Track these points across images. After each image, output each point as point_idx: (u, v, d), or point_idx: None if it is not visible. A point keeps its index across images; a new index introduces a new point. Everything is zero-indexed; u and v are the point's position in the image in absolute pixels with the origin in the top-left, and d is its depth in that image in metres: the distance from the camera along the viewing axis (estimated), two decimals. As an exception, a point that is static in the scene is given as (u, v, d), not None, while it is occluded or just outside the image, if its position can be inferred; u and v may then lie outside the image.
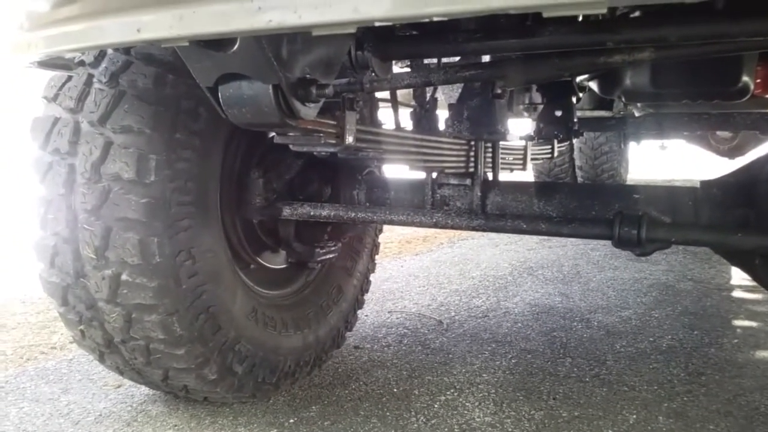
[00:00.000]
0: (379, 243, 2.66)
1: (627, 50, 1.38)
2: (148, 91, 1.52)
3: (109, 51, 1.56)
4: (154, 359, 1.73)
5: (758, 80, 1.97)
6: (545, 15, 0.68)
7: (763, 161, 1.57)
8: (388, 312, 3.03)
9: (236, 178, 1.87)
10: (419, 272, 3.92)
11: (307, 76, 1.10)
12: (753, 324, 2.89)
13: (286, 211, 1.82)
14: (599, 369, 2.35)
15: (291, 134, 1.38)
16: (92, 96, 1.55)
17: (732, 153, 5.23)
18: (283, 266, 2.12)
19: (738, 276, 3.65)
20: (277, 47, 1.00)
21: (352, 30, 0.77)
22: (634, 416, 1.98)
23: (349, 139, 1.43)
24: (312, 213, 1.79)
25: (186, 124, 1.58)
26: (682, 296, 3.34)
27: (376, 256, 2.68)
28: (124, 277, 1.57)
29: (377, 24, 0.74)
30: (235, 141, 1.79)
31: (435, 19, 0.69)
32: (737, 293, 3.40)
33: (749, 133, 4.53)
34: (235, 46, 0.95)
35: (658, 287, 3.49)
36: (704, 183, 1.64)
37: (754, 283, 1.72)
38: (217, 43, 0.96)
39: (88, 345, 1.79)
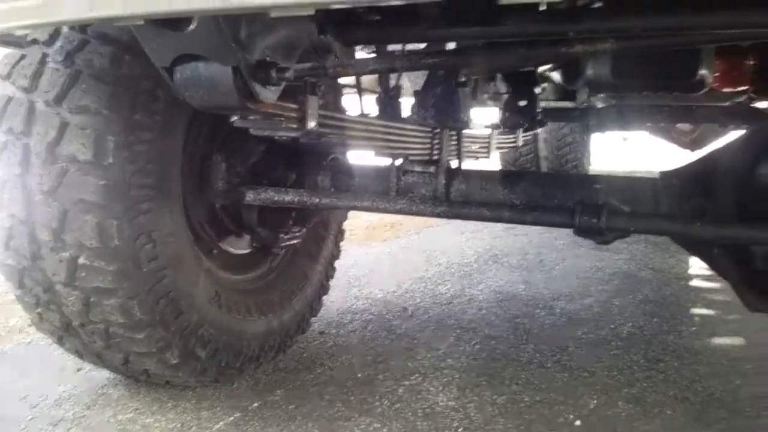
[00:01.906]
0: (344, 229, 2.66)
1: (588, 41, 1.39)
2: (105, 71, 1.49)
3: (64, 29, 1.52)
4: (114, 343, 1.71)
5: (716, 74, 2.01)
6: (500, 2, 0.68)
7: (721, 152, 1.60)
8: (354, 298, 3.03)
9: (198, 162, 1.85)
10: (385, 259, 3.92)
11: (267, 58, 1.08)
12: (710, 312, 2.96)
13: (250, 196, 1.80)
14: (561, 355, 2.38)
15: (251, 117, 1.36)
16: (47, 75, 1.51)
17: (693, 145, 5.32)
18: (247, 251, 2.10)
19: (697, 265, 3.73)
20: (235, 28, 0.99)
21: (311, 12, 0.76)
22: (595, 401, 2.01)
23: (311, 124, 1.42)
24: (276, 198, 1.78)
25: (145, 105, 1.55)
26: (642, 285, 3.41)
27: (342, 243, 2.68)
28: (81, 260, 1.54)
29: (335, 6, 0.73)
30: (197, 123, 1.77)
31: (393, 3, 0.68)
32: (696, 282, 3.48)
33: (710, 126, 4.61)
34: (192, 26, 0.93)
35: (619, 276, 3.55)
36: (664, 174, 1.67)
37: (712, 273, 1.76)
38: (173, 23, 0.94)
39: (46, 328, 1.76)
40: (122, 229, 1.54)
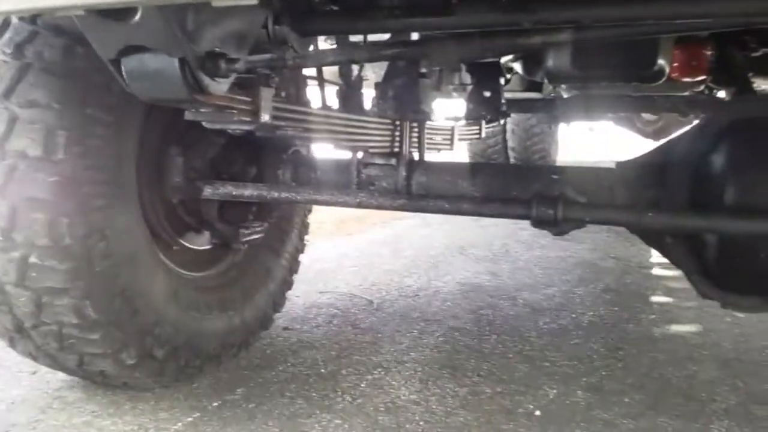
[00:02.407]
0: (308, 222, 2.63)
1: (546, 32, 1.40)
2: (56, 64, 1.44)
3: (14, 20, 1.47)
4: (68, 345, 1.67)
5: (675, 64, 2.04)
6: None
7: (674, 143, 1.63)
8: (319, 292, 3.01)
9: (155, 156, 1.81)
10: (352, 252, 3.91)
11: (217, 49, 1.06)
12: (669, 300, 3.02)
13: (207, 191, 1.77)
14: (523, 345, 2.41)
15: (202, 110, 1.33)
16: (-5, 68, 1.46)
17: (656, 135, 5.43)
18: (207, 247, 2.06)
19: (657, 254, 3.81)
20: (182, 18, 0.96)
21: (254, 1, 0.75)
22: (555, 390, 2.04)
23: (265, 117, 1.40)
24: (234, 193, 1.75)
25: (98, 99, 1.51)
26: (604, 274, 3.46)
27: (307, 236, 2.65)
28: (32, 259, 1.50)
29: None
30: (152, 117, 1.72)
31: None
32: (656, 270, 3.55)
33: (672, 116, 4.70)
34: (137, 17, 0.90)
35: (582, 265, 3.60)
36: (620, 164, 1.69)
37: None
38: (118, 13, 0.91)
39: (-2, 330, 1.70)
40: (74, 227, 1.50)
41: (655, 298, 3.08)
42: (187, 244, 1.99)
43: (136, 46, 0.99)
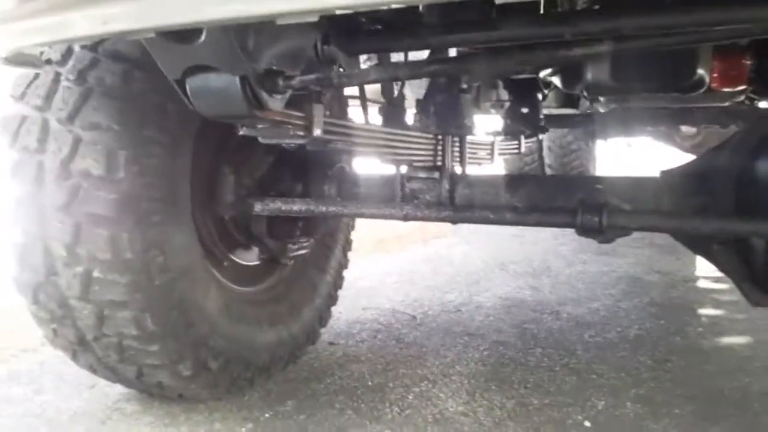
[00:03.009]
0: (351, 239, 2.69)
1: (586, 43, 1.43)
2: (116, 88, 1.53)
3: (76, 48, 1.56)
4: (128, 356, 1.73)
5: (715, 74, 2.04)
6: (497, 1, 0.72)
7: (717, 151, 1.63)
8: (362, 309, 3.05)
9: (207, 174, 1.88)
10: (393, 270, 3.95)
11: (274, 67, 1.12)
12: (717, 312, 2.98)
13: (258, 207, 1.84)
14: (569, 359, 2.40)
15: (259, 126, 1.40)
16: (60, 93, 1.55)
17: (695, 149, 5.36)
18: (256, 262, 2.13)
19: (703, 268, 3.75)
20: (243, 38, 1.03)
21: (315, 18, 0.80)
22: (603, 402, 2.03)
23: (317, 131, 1.46)
24: (283, 208, 1.81)
25: (154, 120, 1.59)
26: (648, 288, 3.43)
27: (350, 254, 2.70)
28: (95, 273, 1.57)
29: (338, 12, 0.77)
30: (204, 137, 1.80)
31: (393, 6, 0.72)
32: (702, 284, 3.50)
33: (711, 130, 4.64)
34: (202, 38, 0.97)
35: (625, 280, 3.57)
36: (664, 172, 1.70)
37: (718, 274, 1.79)
38: (183, 35, 0.97)
39: (60, 343, 1.78)
40: (134, 242, 1.57)
41: (702, 311, 3.04)
42: (237, 260, 2.06)
43: (200, 65, 1.05)
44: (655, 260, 4.05)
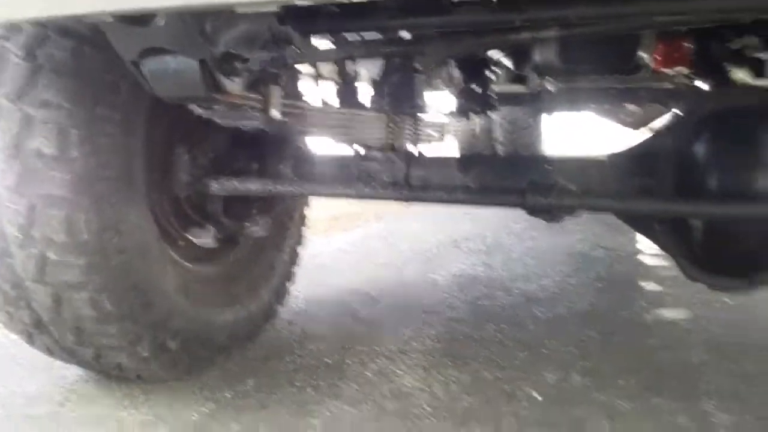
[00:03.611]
0: (306, 216, 2.70)
1: (534, 28, 1.47)
2: (67, 65, 1.50)
3: (25, 24, 1.53)
4: (85, 338, 1.73)
5: (657, 56, 2.12)
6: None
7: (660, 134, 1.71)
8: (319, 286, 3.08)
9: (162, 153, 1.87)
10: (348, 247, 3.99)
11: (232, 50, 1.13)
12: (659, 287, 3.11)
13: (214, 186, 1.84)
14: (520, 333, 2.48)
15: (216, 108, 1.40)
16: (8, 71, 1.51)
17: (638, 125, 5.54)
18: (213, 242, 2.13)
19: (645, 243, 3.90)
20: (201, 22, 1.03)
21: (274, 8, 0.82)
22: (553, 375, 2.11)
23: (275, 113, 1.47)
24: (240, 187, 1.81)
25: (107, 98, 1.57)
26: (595, 263, 3.55)
27: (305, 231, 2.72)
28: (50, 255, 1.55)
29: (298, 3, 0.78)
30: (159, 115, 1.78)
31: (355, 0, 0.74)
32: (645, 259, 3.64)
33: (653, 107, 4.79)
34: (158, 21, 0.97)
35: (573, 255, 3.69)
36: (611, 155, 1.77)
37: (659, 250, 1.87)
38: (139, 18, 0.97)
39: (15, 327, 1.76)
40: (90, 223, 1.56)
41: (645, 285, 3.17)
42: (193, 239, 2.05)
43: (157, 48, 1.05)
44: (601, 236, 4.19)
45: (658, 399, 1.93)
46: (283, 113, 1.55)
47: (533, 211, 1.62)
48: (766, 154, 1.54)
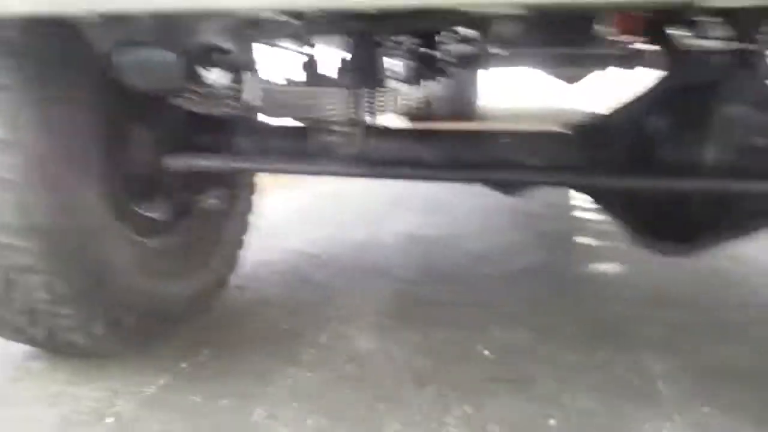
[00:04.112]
0: (255, 183, 2.66)
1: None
2: (15, 45, 1.41)
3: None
4: (38, 319, 1.68)
5: (614, 27, 2.16)
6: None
7: (618, 109, 1.77)
8: (268, 250, 3.06)
9: (117, 131, 1.79)
10: (295, 208, 3.96)
11: (211, 43, 1.09)
12: (597, 243, 3.27)
13: (170, 163, 1.78)
14: (469, 292, 2.57)
15: (192, 97, 1.36)
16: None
17: (572, 79, 5.68)
18: (166, 215, 2.08)
19: (581, 198, 4.06)
20: (179, 17, 0.99)
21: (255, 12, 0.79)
22: (500, 332, 2.21)
23: (252, 99, 1.43)
24: (196, 164, 1.77)
25: (57, 77, 1.49)
26: (536, 220, 3.68)
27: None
28: (2, 239, 1.49)
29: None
30: (112, 92, 1.70)
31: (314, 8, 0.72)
32: (585, 214, 3.79)
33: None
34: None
35: (515, 212, 3.79)
36: (567, 127, 1.82)
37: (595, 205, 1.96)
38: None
39: (-37, 307, 1.69)
40: (42, 206, 1.50)
41: (584, 241, 3.33)
42: (149, 215, 2.00)
43: (132, 40, 1.01)
44: (543, 193, 4.30)
45: (598, 350, 2.07)
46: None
47: (494, 186, 1.67)
48: (710, 129, 1.63)
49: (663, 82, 1.68)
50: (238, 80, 1.39)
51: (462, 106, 6.75)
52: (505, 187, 1.68)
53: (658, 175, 1.61)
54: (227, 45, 1.12)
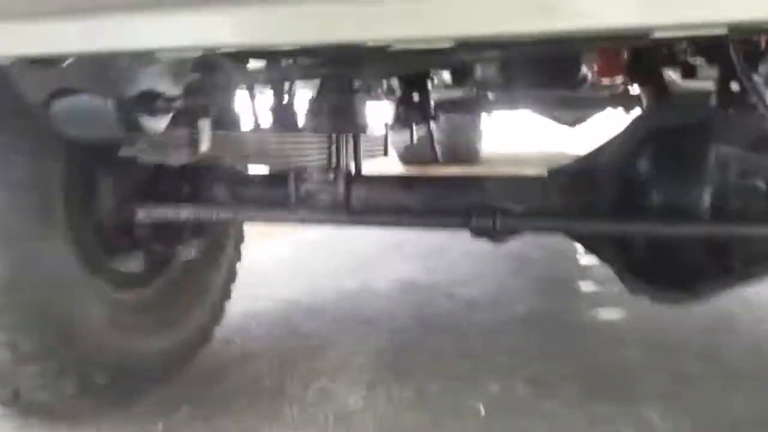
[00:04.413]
0: (243, 231, 2.59)
1: (474, 49, 1.43)
2: None
3: None
4: (2, 378, 1.60)
5: (596, 69, 2.13)
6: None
7: (602, 150, 1.70)
8: (257, 299, 2.97)
9: (83, 179, 1.73)
10: (287, 254, 3.89)
11: (151, 89, 1.03)
12: (595, 288, 3.16)
13: (141, 214, 1.71)
14: (462, 342, 2.47)
15: (138, 146, 1.30)
16: None
17: (573, 123, 5.68)
18: (142, 267, 2.00)
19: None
20: (115, 60, 0.93)
21: (199, 53, 0.74)
22: (497, 385, 2.10)
23: (204, 148, 1.37)
24: (169, 214, 1.70)
25: (14, 126, 1.44)
26: (533, 264, 3.58)
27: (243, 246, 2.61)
28: (-39, 295, 1.43)
29: (223, 50, 0.71)
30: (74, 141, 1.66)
31: (277, 48, 0.67)
32: (582, 258, 3.69)
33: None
34: (68, 60, 0.87)
35: (512, 257, 3.69)
36: (551, 171, 1.75)
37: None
38: (47, 59, 0.87)
39: None
40: (2, 259, 1.44)
41: (582, 285, 3.22)
42: (120, 267, 1.93)
43: (66, 88, 0.95)
44: (539, 236, 4.22)
45: (599, 405, 1.95)
46: (215, 147, 1.45)
47: (478, 233, 1.59)
48: (705, 171, 1.55)
49: (645, 122, 1.61)
50: (194, 128, 1.33)
51: (464, 151, 6.74)
52: (492, 234, 1.60)
53: (647, 220, 1.52)
54: (172, 91, 1.07)
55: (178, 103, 1.08)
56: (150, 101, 1.02)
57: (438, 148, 6.30)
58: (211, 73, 1.24)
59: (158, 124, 1.09)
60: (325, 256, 3.81)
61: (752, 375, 2.14)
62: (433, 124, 6.00)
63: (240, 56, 1.30)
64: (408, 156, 6.42)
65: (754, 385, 2.07)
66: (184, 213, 1.69)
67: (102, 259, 1.84)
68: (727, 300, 2.58)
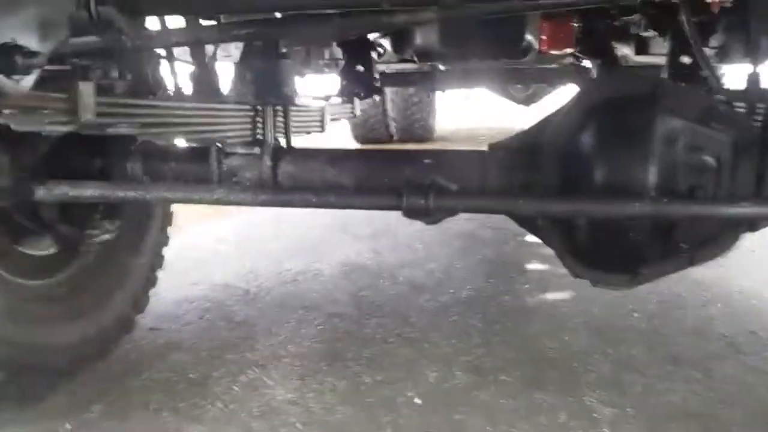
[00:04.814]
0: (171, 213, 2.41)
1: (410, 11, 1.30)
2: None
3: None
4: None
5: (543, 37, 2.01)
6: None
7: (545, 123, 1.59)
8: (191, 284, 2.81)
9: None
10: (229, 236, 3.72)
11: (12, 42, 0.87)
12: (542, 268, 3.09)
13: (40, 192, 1.52)
14: (403, 327, 2.37)
15: (6, 112, 1.12)
16: None
17: (528, 101, 5.63)
18: (50, 252, 1.82)
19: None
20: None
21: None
22: (434, 374, 2.01)
23: (87, 116, 1.20)
24: (71, 193, 1.51)
25: None
26: (482, 245, 3.50)
27: (172, 226, 2.42)
28: None
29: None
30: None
31: None
32: (530, 238, 3.62)
33: (542, 85, 4.83)
34: None
35: (460, 237, 3.60)
36: (492, 146, 1.64)
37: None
38: None
39: None
40: None
41: (529, 267, 3.15)
42: (24, 251, 1.74)
43: None
44: (488, 215, 4.14)
45: (540, 394, 1.88)
46: (105, 114, 1.28)
47: (410, 213, 1.47)
48: (650, 145, 1.45)
49: (590, 94, 1.51)
50: (71, 92, 1.16)
51: (419, 129, 6.69)
52: (425, 215, 1.47)
53: (589, 199, 1.42)
54: (38, 47, 0.90)
55: (39, 61, 0.92)
56: (6, 59, 0.85)
57: (392, 125, 6.20)
58: (101, 27, 1.07)
59: (21, 86, 0.92)
60: (270, 238, 3.65)
61: (695, 360, 2.09)
62: (388, 101, 5.93)
63: (135, 12, 1.14)
64: (362, 134, 6.36)
65: (696, 371, 2.01)
66: (88, 191, 1.51)
67: (4, 243, 1.65)
68: (675, 281, 2.56)
